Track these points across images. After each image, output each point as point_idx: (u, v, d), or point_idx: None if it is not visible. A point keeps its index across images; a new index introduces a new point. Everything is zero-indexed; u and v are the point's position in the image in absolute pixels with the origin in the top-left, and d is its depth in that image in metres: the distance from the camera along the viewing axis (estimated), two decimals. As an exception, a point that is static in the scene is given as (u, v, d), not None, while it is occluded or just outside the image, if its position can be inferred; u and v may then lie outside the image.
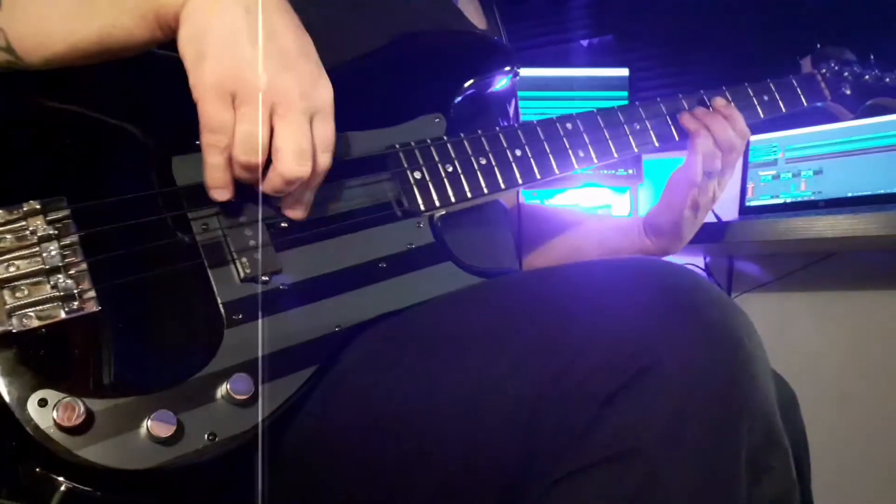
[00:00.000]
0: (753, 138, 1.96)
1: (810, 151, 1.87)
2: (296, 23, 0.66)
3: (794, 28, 2.01)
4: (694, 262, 2.11)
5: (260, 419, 0.61)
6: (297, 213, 0.68)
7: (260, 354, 0.63)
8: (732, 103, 1.05)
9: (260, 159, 0.63)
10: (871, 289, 1.96)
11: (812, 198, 1.83)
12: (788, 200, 1.87)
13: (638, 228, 1.11)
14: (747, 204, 1.94)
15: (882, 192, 1.74)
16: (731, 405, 0.53)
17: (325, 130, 0.65)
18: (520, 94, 2.03)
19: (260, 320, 0.64)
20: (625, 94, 2.08)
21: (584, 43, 2.40)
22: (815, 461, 0.92)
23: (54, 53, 0.63)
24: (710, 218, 1.97)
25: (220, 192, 0.64)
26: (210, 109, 0.61)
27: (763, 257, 2.10)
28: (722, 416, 0.53)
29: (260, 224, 0.68)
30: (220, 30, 0.61)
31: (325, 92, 0.65)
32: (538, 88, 2.06)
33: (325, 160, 0.66)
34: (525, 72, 2.09)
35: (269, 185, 0.65)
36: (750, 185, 1.94)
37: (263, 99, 0.62)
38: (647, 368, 0.53)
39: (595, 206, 2.00)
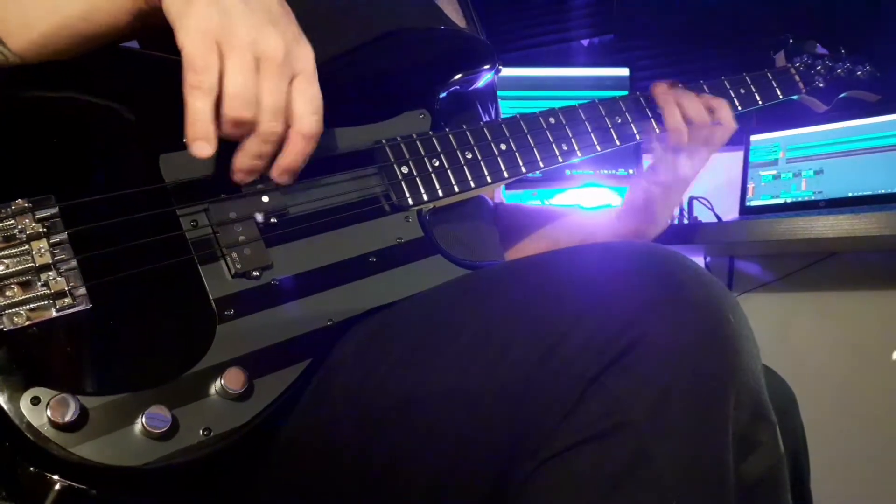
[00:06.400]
0: (754, 138, 1.97)
1: (811, 151, 1.87)
2: None
3: (793, 27, 2.01)
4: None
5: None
6: (283, 178, 0.67)
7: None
8: (709, 94, 1.07)
9: (253, 114, 0.61)
10: (872, 289, 1.96)
11: (813, 198, 1.83)
12: (789, 200, 1.87)
13: (611, 215, 1.12)
14: (748, 204, 1.93)
15: (882, 192, 1.74)
16: (716, 380, 0.54)
17: (312, 92, 0.65)
18: (520, 93, 2.05)
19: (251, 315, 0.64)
20: (625, 94, 2.07)
21: (585, 42, 2.40)
22: (814, 461, 0.92)
23: (40, 34, 0.63)
24: (711, 218, 1.97)
25: (202, 146, 0.61)
26: (195, 50, 0.60)
27: (763, 257, 2.10)
28: (707, 391, 0.53)
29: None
30: None
31: (307, 52, 0.65)
32: (538, 88, 2.06)
33: (315, 123, 0.65)
34: (525, 71, 2.11)
35: (249, 148, 0.64)
36: (750, 185, 1.94)
37: (249, 53, 0.61)
38: (632, 346, 0.53)
39: (595, 206, 1.99)
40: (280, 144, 0.65)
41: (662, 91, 1.02)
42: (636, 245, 0.60)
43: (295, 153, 0.66)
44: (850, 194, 1.78)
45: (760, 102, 1.13)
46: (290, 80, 0.64)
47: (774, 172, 1.91)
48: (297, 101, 0.64)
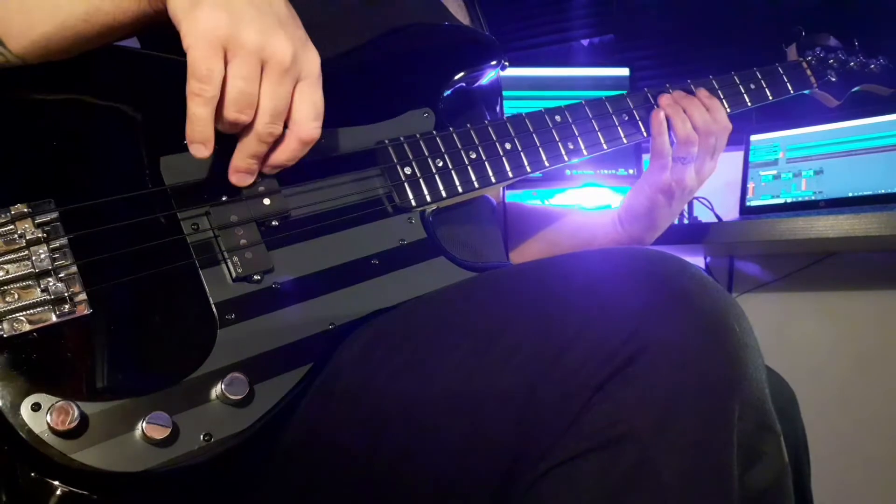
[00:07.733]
0: (754, 138, 1.96)
1: (811, 151, 1.87)
2: None
3: (793, 24, 2.01)
4: (694, 262, 2.11)
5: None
6: (271, 172, 0.68)
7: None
8: (719, 90, 1.05)
9: (249, 118, 0.63)
10: (872, 289, 1.96)
11: (813, 198, 1.83)
12: (789, 200, 1.87)
13: (612, 218, 1.11)
14: (748, 204, 1.93)
15: (882, 191, 1.74)
16: (722, 391, 0.53)
17: (315, 97, 0.65)
18: (520, 93, 2.05)
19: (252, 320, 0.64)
20: (625, 94, 2.07)
21: (585, 42, 2.40)
22: (815, 461, 0.92)
23: (41, 34, 0.63)
24: (711, 218, 1.97)
25: (199, 148, 0.62)
26: (200, 57, 0.60)
27: (764, 257, 2.10)
28: (713, 402, 0.53)
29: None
30: None
31: (314, 57, 0.66)
32: (538, 88, 2.05)
33: (314, 129, 0.66)
34: (525, 71, 2.11)
35: (245, 147, 0.65)
36: (751, 185, 1.94)
37: (255, 57, 0.61)
38: (638, 355, 0.53)
39: (595, 206, 1.99)
40: (276, 144, 0.66)
41: (669, 103, 1.00)
42: (641, 251, 0.60)
43: (288, 153, 0.67)
44: (850, 194, 1.78)
45: (771, 98, 1.10)
46: (294, 84, 0.64)
47: (774, 172, 1.91)
48: (298, 106, 0.65)
